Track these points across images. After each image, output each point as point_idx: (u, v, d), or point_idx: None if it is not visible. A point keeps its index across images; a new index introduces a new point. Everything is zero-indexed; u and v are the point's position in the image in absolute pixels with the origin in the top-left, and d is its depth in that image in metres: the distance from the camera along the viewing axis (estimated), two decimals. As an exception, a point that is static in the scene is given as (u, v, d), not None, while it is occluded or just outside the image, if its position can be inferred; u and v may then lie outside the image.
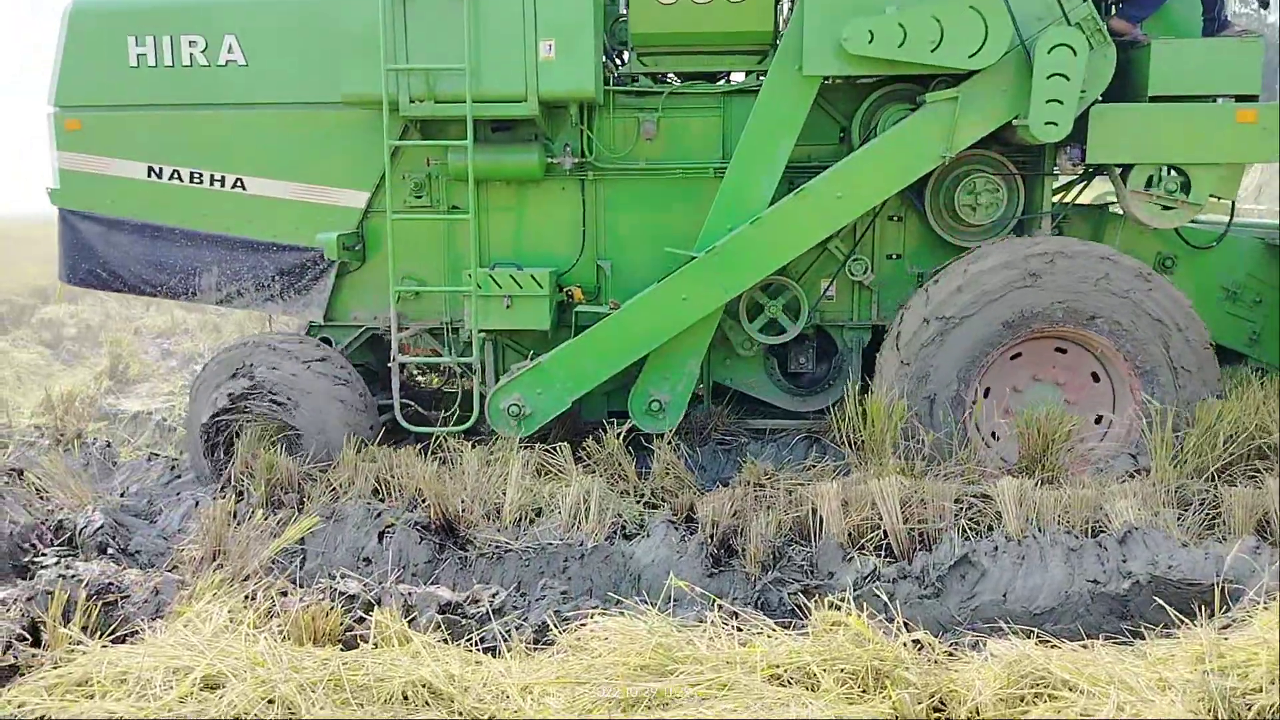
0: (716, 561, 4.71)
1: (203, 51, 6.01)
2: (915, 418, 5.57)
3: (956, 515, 4.80)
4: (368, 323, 6.36)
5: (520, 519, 5.10)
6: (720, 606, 3.96)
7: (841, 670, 3.40)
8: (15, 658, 3.75)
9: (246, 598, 4.06)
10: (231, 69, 6.02)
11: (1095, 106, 5.43)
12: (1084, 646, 3.58)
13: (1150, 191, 5.56)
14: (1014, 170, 5.96)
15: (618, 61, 6.25)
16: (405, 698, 3.28)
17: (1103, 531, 4.54)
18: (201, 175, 6.19)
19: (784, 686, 3.32)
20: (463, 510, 5.09)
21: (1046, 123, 5.26)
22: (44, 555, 5.15)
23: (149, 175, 6.22)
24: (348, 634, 3.87)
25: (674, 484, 5.62)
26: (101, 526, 5.18)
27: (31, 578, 4.47)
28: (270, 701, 3.20)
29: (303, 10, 5.94)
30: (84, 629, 3.86)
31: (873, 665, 3.41)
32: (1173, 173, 5.55)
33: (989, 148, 5.85)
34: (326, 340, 6.37)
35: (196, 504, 5.44)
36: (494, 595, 4.24)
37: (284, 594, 4.16)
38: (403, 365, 6.23)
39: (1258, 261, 6.21)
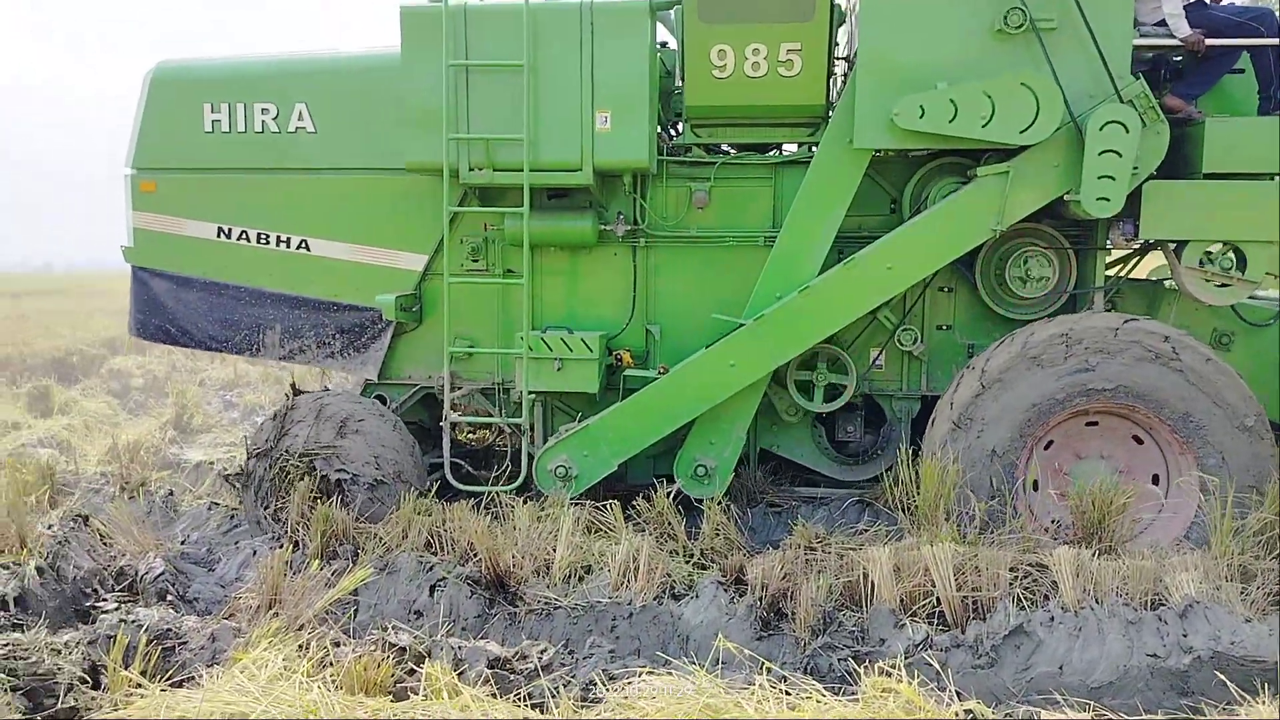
0: (765, 624, 4.69)
1: (274, 119, 6.30)
2: (968, 487, 5.48)
3: (1011, 584, 4.73)
4: (422, 381, 6.51)
5: (570, 576, 5.12)
6: (769, 670, 3.93)
7: (892, 738, 3.36)
8: (75, 700, 3.84)
9: (301, 647, 4.11)
10: (301, 135, 6.30)
11: (1149, 183, 5.43)
12: (1143, 722, 3.50)
13: (1205, 268, 5.51)
14: (1066, 244, 5.97)
15: (672, 132, 6.36)
16: (454, 751, 3.29)
17: (1162, 605, 4.45)
18: (268, 236, 6.46)
19: (833, 753, 3.28)
20: (513, 565, 5.12)
21: (1099, 198, 5.28)
22: (105, 600, 5.27)
23: (219, 235, 6.50)
24: (398, 685, 3.90)
25: (724, 545, 5.61)
26: (162, 573, 5.31)
27: (93, 622, 4.58)
28: (322, 750, 3.24)
29: (369, 80, 6.20)
30: (143, 673, 3.94)
31: (924, 734, 3.36)
32: (1228, 250, 5.51)
33: (1040, 221, 5.85)
34: (381, 398, 6.51)
35: (254, 553, 5.54)
36: (543, 652, 4.25)
37: (337, 644, 4.21)
38: (454, 424, 6.32)
39: None
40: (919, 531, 5.38)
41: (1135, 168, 5.30)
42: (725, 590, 4.89)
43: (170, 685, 3.87)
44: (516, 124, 5.69)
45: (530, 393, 6.09)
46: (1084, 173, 5.28)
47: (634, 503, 5.92)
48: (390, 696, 3.78)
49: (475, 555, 5.20)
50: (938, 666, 4.10)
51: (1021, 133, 5.32)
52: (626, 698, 3.63)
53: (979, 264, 6.01)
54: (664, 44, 6.17)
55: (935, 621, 4.65)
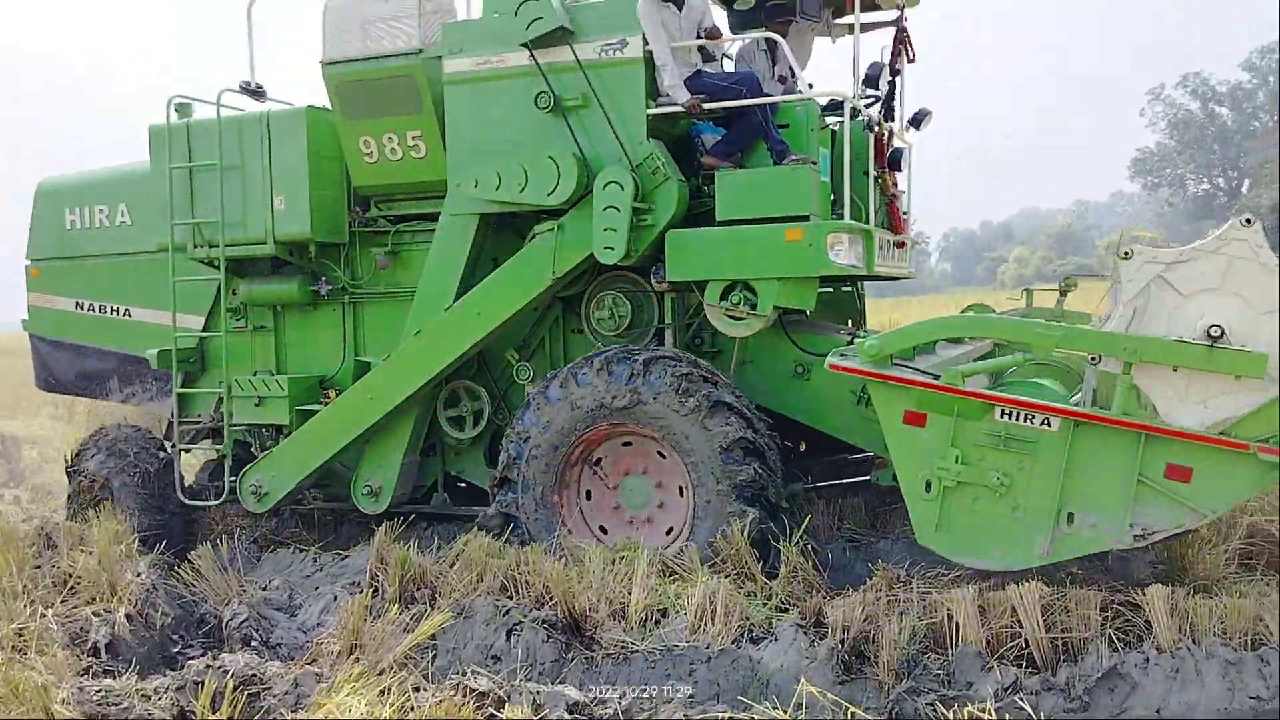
0: (847, 668, 4.60)
1: (106, 216, 7.89)
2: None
3: (1103, 624, 4.58)
4: (204, 420, 7.53)
5: (646, 619, 5.08)
6: (853, 715, 3.85)
7: (984, 786, 3.25)
8: (165, 745, 3.91)
9: (382, 692, 4.14)
10: (124, 228, 7.83)
11: (669, 232, 5.99)
12: (1250, 769, 3.34)
13: (721, 304, 5.93)
14: (647, 287, 6.50)
15: (360, 209, 7.18)
16: (536, 798, 3.27)
17: (1264, 644, 4.26)
18: (105, 307, 8.04)
19: (923, 801, 3.19)
20: (589, 609, 5.11)
21: (605, 247, 5.92)
22: (192, 646, 5.39)
23: (76, 308, 8.14)
24: (479, 731, 3.90)
25: (802, 587, 5.51)
26: (246, 619, 5.40)
27: (180, 668, 4.67)
28: (405, 796, 3.24)
29: (150, 183, 7.33)
30: (230, 718, 4.00)
31: (1018, 782, 3.25)
32: (743, 288, 5.88)
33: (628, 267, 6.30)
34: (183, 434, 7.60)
35: (335, 599, 5.61)
36: (621, 696, 4.22)
37: (418, 689, 4.23)
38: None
39: None
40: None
41: (646, 220, 5.95)
42: (805, 633, 4.81)
43: (256, 731, 3.92)
44: (231, 210, 6.95)
45: (233, 425, 7.12)
46: (594, 225, 5.93)
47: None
48: (471, 742, 3.78)
49: (551, 599, 5.20)
50: (1029, 710, 3.98)
51: (548, 195, 6.07)
52: (708, 744, 3.58)
53: (583, 307, 6.69)
54: None
55: (1024, 664, 4.52)
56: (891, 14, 7.03)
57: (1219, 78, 56.59)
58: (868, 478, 6.81)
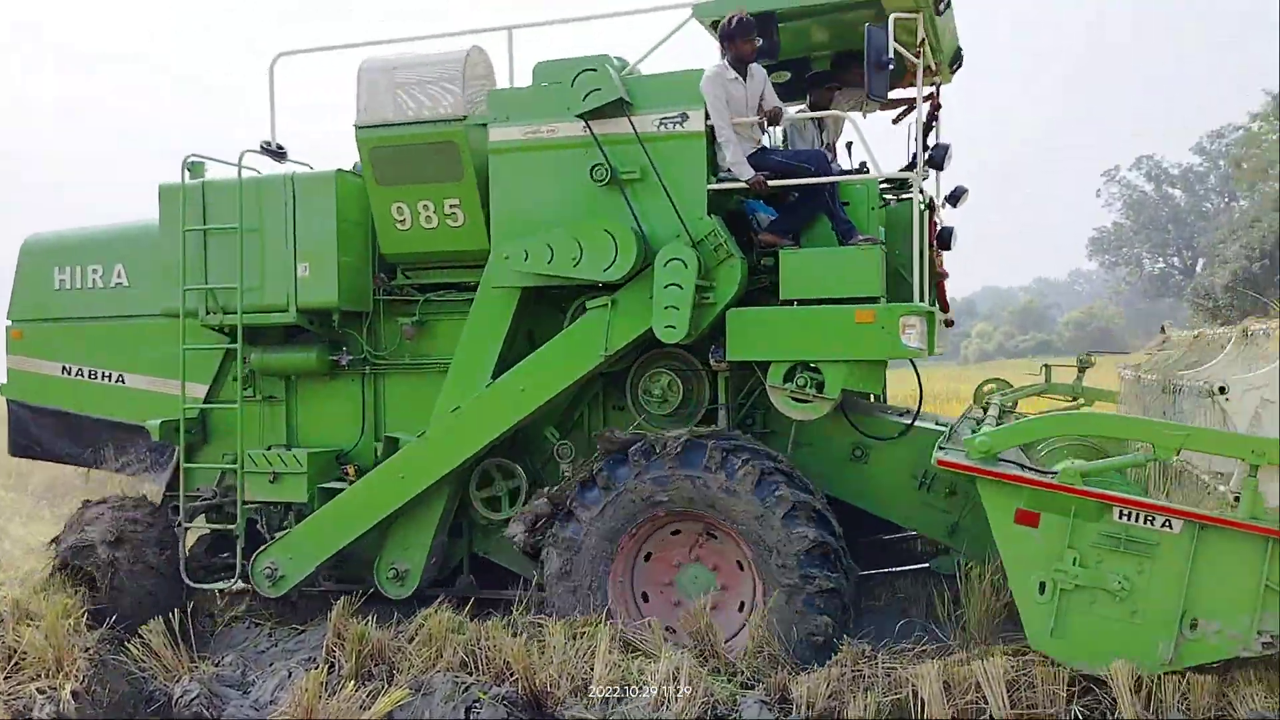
0: (813, 746, 4.53)
1: (100, 277, 7.50)
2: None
3: (1069, 700, 4.56)
4: (205, 494, 7.15)
5: (609, 695, 4.99)
6: (818, 794, 3.78)
7: None
8: (106, 829, 3.76)
9: (335, 772, 4.01)
10: (120, 289, 7.46)
11: (730, 310, 5.83)
12: None
13: (785, 386, 5.78)
14: (699, 366, 6.36)
15: (385, 276, 6.99)
16: None
17: (1228, 721, 4.26)
18: (96, 373, 7.61)
19: None
20: (550, 685, 5.01)
21: (666, 326, 5.70)
22: (140, 724, 5.21)
23: (63, 373, 7.70)
24: (434, 814, 3.79)
25: (766, 662, 5.45)
26: (196, 696, 5.25)
27: (127, 747, 4.52)
28: None
29: (154, 241, 7.03)
30: (175, 801, 3.86)
31: None
32: (808, 369, 5.75)
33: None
34: (177, 508, 7.09)
35: (289, 675, 5.47)
36: (582, 776, 4.13)
37: (372, 770, 4.11)
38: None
39: None
40: (969, 646, 5.23)
41: (709, 298, 5.78)
42: (770, 709, 4.75)
43: (202, 814, 3.78)
44: (250, 275, 6.66)
45: (246, 502, 6.76)
46: (654, 303, 5.73)
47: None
48: (426, 825, 3.67)
49: (511, 675, 5.10)
50: (995, 790, 3.92)
51: (605, 270, 5.83)
52: (670, 825, 3.49)
53: (628, 384, 6.49)
54: None
55: (990, 741, 4.47)
56: (928, 89, 6.70)
57: (1170, 160, 58.41)
58: (926, 565, 6.68)
